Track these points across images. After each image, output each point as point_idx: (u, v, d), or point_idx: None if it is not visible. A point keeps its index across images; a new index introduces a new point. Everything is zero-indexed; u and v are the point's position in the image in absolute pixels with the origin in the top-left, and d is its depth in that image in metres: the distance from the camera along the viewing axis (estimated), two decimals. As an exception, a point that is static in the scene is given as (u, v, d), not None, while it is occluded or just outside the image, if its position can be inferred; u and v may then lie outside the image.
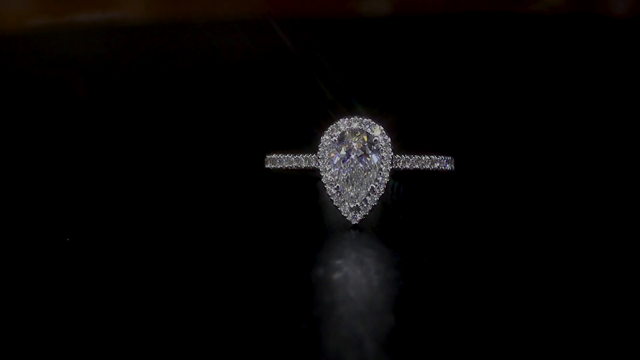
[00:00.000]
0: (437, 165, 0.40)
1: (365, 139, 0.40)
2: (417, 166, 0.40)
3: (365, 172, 0.39)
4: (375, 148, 0.39)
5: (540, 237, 0.38)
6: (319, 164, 0.40)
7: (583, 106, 0.61)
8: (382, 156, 0.39)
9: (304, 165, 0.40)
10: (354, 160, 0.39)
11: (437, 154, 0.40)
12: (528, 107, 0.62)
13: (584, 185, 0.46)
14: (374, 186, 0.39)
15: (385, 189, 0.39)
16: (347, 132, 0.40)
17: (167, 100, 0.66)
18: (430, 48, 0.74)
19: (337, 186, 0.39)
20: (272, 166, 0.41)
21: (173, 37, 0.83)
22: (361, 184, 0.39)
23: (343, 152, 0.40)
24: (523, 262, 0.35)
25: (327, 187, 0.40)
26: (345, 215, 0.40)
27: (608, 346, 0.29)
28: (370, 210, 0.39)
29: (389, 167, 0.39)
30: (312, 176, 0.41)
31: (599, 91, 0.64)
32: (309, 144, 0.41)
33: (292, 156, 0.41)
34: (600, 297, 0.32)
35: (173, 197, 0.45)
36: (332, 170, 0.39)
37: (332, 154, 0.40)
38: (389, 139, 0.39)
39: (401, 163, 0.40)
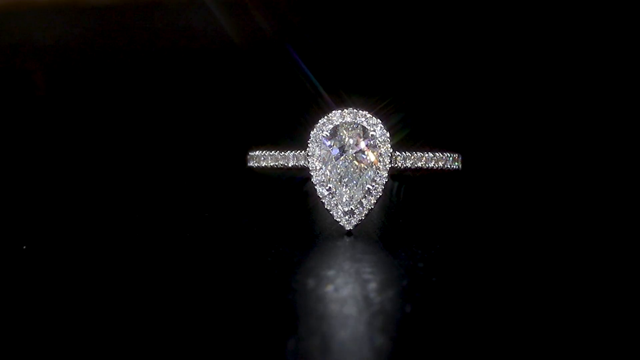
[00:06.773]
0: (441, 163, 0.40)
1: (361, 134, 0.39)
2: (419, 164, 0.40)
3: (360, 171, 0.39)
4: (372, 144, 0.39)
5: (557, 243, 0.38)
6: (308, 162, 0.40)
7: (603, 98, 0.62)
8: (380, 153, 0.39)
9: (291, 163, 0.40)
10: (348, 158, 0.39)
11: (442, 151, 0.40)
12: (544, 98, 0.62)
13: (609, 186, 0.46)
14: (371, 187, 0.39)
15: (384, 191, 0.39)
16: (341, 126, 0.40)
17: (137, 90, 0.66)
18: (434, 32, 0.74)
19: (330, 187, 0.39)
20: (256, 164, 0.41)
21: (145, 19, 0.83)
22: (356, 185, 0.39)
23: (336, 149, 0.39)
24: (537, 272, 0.35)
25: (318, 188, 0.39)
26: (338, 219, 0.39)
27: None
28: (366, 215, 0.39)
29: (388, 166, 0.39)
30: (301, 176, 0.41)
31: (623, 87, 0.64)
32: (298, 140, 0.41)
33: (279, 153, 0.41)
34: (613, 298, 0.32)
35: (143, 198, 0.45)
36: (324, 169, 0.39)
37: (324, 151, 0.39)
38: (388, 134, 0.39)
39: (401, 161, 0.40)
